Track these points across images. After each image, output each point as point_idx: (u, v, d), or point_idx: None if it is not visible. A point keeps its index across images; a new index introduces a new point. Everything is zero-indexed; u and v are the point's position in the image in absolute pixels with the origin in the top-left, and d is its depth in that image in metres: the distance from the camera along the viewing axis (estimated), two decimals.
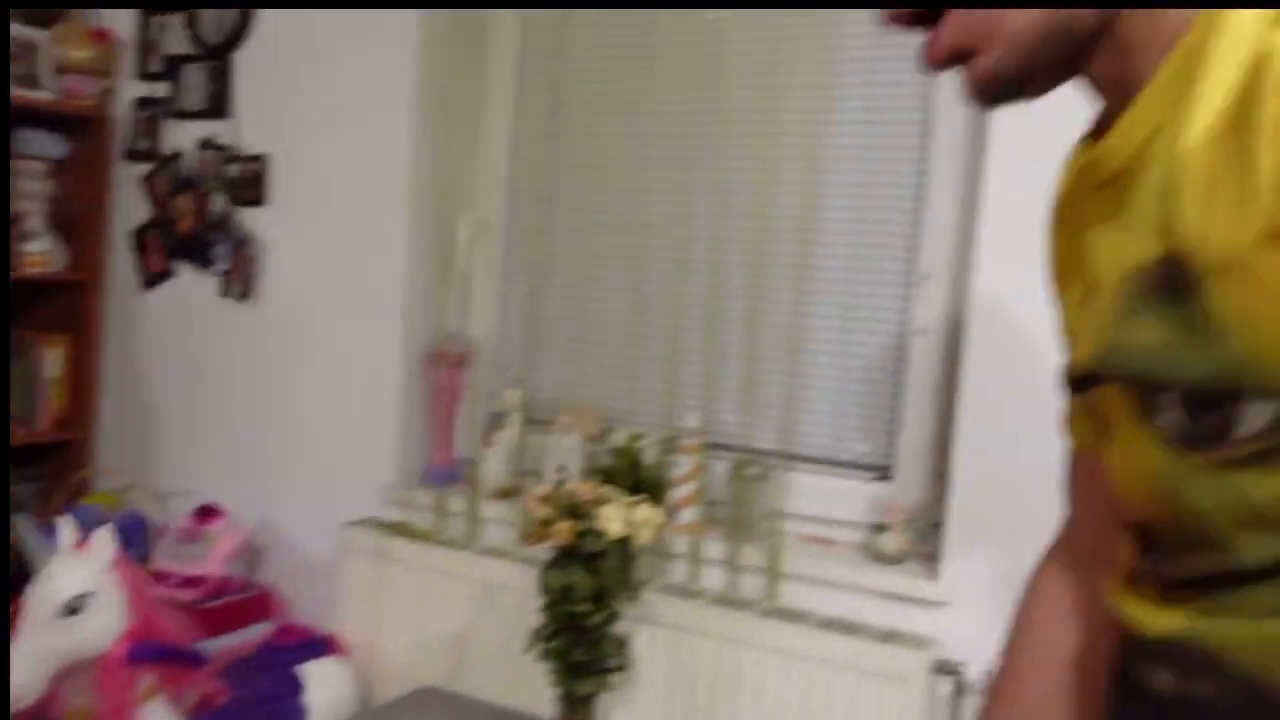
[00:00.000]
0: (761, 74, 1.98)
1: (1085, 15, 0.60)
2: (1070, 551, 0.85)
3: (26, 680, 1.64)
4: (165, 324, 2.67)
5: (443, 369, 2.29)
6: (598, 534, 1.73)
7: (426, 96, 2.23)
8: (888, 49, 1.93)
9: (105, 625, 1.70)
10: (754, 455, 2.01)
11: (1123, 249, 0.61)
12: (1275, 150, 0.49)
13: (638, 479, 2.02)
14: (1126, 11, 0.60)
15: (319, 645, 2.08)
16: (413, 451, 2.33)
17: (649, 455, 2.06)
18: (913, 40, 1.89)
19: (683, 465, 2.02)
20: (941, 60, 0.64)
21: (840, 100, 1.97)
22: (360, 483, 2.33)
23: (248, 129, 2.53)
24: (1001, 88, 0.62)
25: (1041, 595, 0.86)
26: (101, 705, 1.72)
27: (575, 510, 1.77)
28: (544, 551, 1.82)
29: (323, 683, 2.02)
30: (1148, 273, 0.58)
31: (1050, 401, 1.62)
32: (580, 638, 1.76)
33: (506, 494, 2.19)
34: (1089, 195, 0.66)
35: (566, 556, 1.76)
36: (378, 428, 2.32)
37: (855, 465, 2.00)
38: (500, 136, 2.31)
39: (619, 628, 1.83)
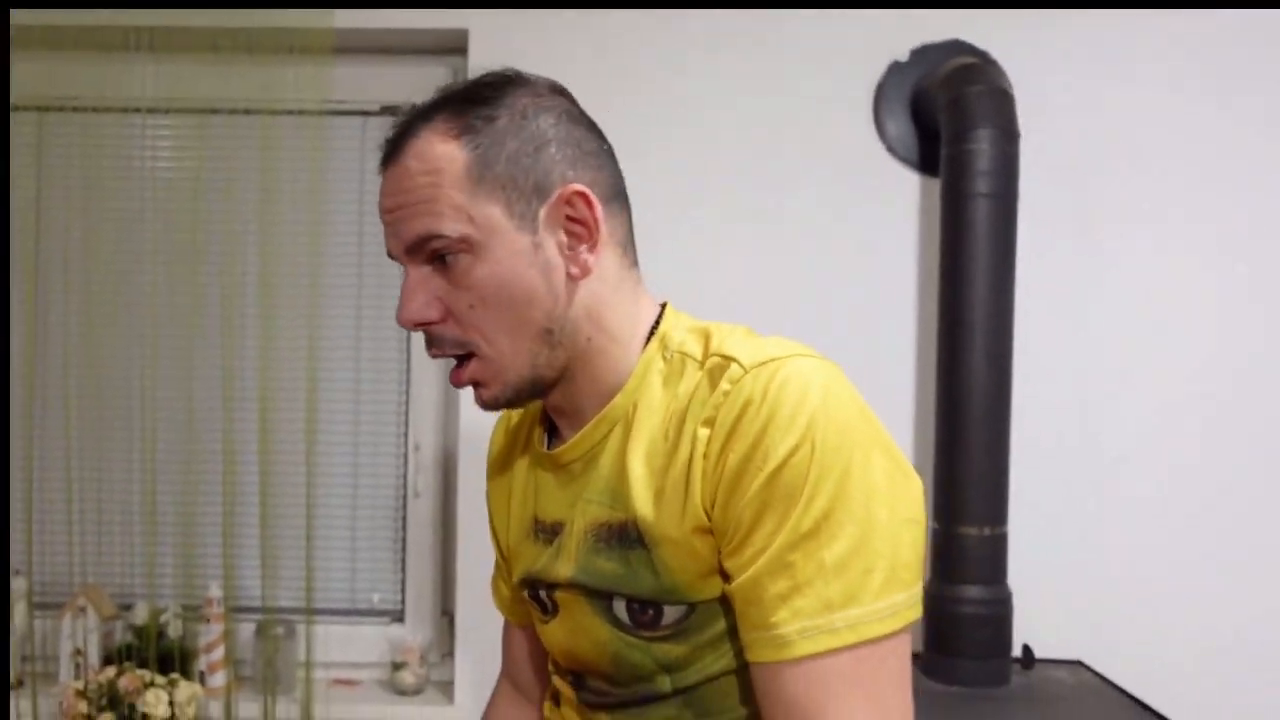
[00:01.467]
0: (261, 259, 2.23)
1: (551, 374, 0.94)
2: (512, 685, 1.25)
3: None
4: None
5: None
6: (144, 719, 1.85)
7: None
8: (374, 245, 2.29)
9: None
10: (278, 614, 2.22)
11: (584, 511, 0.94)
12: (702, 490, 0.85)
13: (163, 652, 2.14)
14: (574, 370, 0.94)
15: None
16: None
17: (173, 628, 2.18)
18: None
19: (209, 633, 2.17)
20: (461, 384, 0.95)
21: (333, 289, 2.28)
22: None
23: None
24: (498, 407, 0.96)
25: (496, 715, 1.25)
26: None
27: (115, 700, 1.86)
28: None
29: None
30: (609, 528, 0.92)
31: None
32: None
33: (17, 685, 2.16)
34: (544, 466, 1.01)
35: None
36: None
37: (373, 612, 2.30)
38: None
39: None
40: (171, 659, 2.13)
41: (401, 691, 2.19)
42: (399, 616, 2.30)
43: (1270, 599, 2.07)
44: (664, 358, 0.92)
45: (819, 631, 0.78)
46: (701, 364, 0.88)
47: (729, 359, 0.86)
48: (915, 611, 0.81)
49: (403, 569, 2.30)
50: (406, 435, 2.30)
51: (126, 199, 2.25)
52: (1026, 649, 1.96)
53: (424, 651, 2.23)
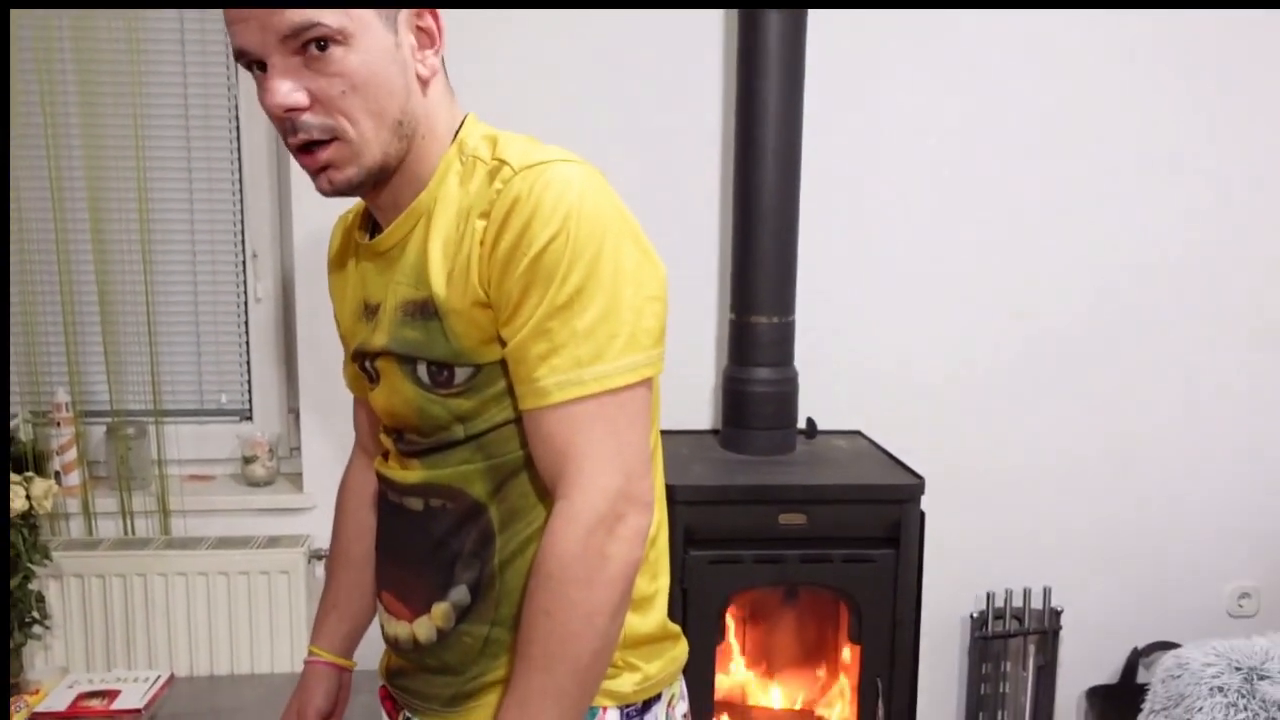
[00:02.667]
0: (79, 69, 2.24)
1: (392, 164, 1.07)
2: (363, 451, 1.43)
3: None
4: None
5: None
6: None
7: None
8: (201, 56, 2.31)
9: None
10: (128, 417, 2.34)
11: (395, 291, 1.11)
12: (479, 271, 1.02)
13: (16, 454, 2.25)
14: (402, 164, 1.07)
15: None
16: None
17: (24, 433, 2.29)
18: (226, 45, 2.31)
19: (60, 436, 2.29)
20: (317, 164, 1.04)
21: (157, 100, 2.31)
22: None
23: None
24: (344, 192, 1.08)
25: (350, 485, 1.44)
26: None
27: None
28: None
29: None
30: (413, 304, 1.09)
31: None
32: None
33: None
34: (366, 257, 1.17)
35: None
36: None
37: (222, 412, 2.44)
38: None
39: (33, 587, 2.10)
40: (24, 461, 2.25)
41: (254, 483, 2.36)
42: (247, 415, 2.45)
43: (996, 373, 2.41)
44: (460, 160, 1.07)
45: (570, 383, 0.98)
46: (486, 165, 1.04)
47: (503, 162, 1.01)
48: (653, 369, 1.02)
49: (248, 371, 2.43)
50: (243, 243, 2.39)
51: None
52: (810, 421, 2.25)
53: (273, 445, 2.40)
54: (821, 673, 2.20)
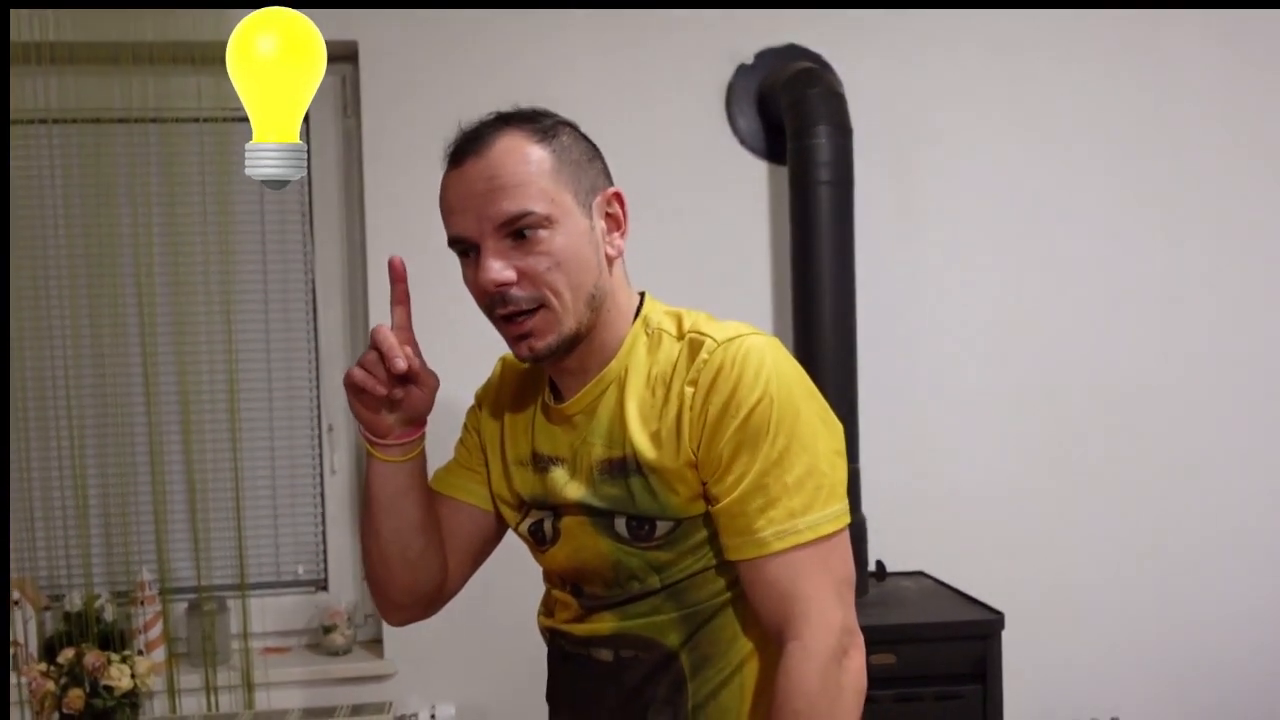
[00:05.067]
0: (172, 262, 2.37)
1: (584, 333, 1.18)
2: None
3: None
4: None
5: None
6: (108, 691, 2.01)
7: None
8: (280, 230, 2.47)
9: None
10: (210, 592, 2.38)
11: (587, 450, 1.20)
12: (689, 433, 1.13)
13: (101, 635, 2.28)
14: (591, 335, 1.19)
15: None
16: None
17: (109, 612, 2.33)
18: (303, 218, 2.46)
19: (144, 614, 2.33)
20: (524, 332, 1.14)
21: (242, 284, 2.44)
22: None
23: None
24: (544, 357, 1.17)
25: None
26: None
27: (78, 678, 2.02)
28: None
29: None
30: (611, 462, 1.19)
31: None
32: None
33: None
34: (549, 417, 1.25)
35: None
36: None
37: (298, 583, 2.49)
38: None
39: None
40: (110, 640, 2.28)
41: (333, 652, 2.40)
42: (323, 585, 2.50)
43: (1071, 504, 2.53)
44: (646, 332, 1.20)
45: (789, 533, 1.08)
46: (677, 338, 1.17)
47: (704, 335, 1.14)
48: (848, 516, 1.14)
49: (324, 541, 2.50)
50: (319, 417, 2.49)
51: (38, 208, 2.35)
52: (879, 564, 2.34)
53: (350, 613, 2.44)
54: None
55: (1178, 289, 2.56)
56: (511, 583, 1.59)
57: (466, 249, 1.15)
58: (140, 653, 2.31)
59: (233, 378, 2.38)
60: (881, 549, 2.39)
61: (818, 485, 1.10)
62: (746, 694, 1.17)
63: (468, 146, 1.13)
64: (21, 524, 2.37)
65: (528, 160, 1.12)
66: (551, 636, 1.31)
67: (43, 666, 2.01)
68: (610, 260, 1.19)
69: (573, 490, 1.21)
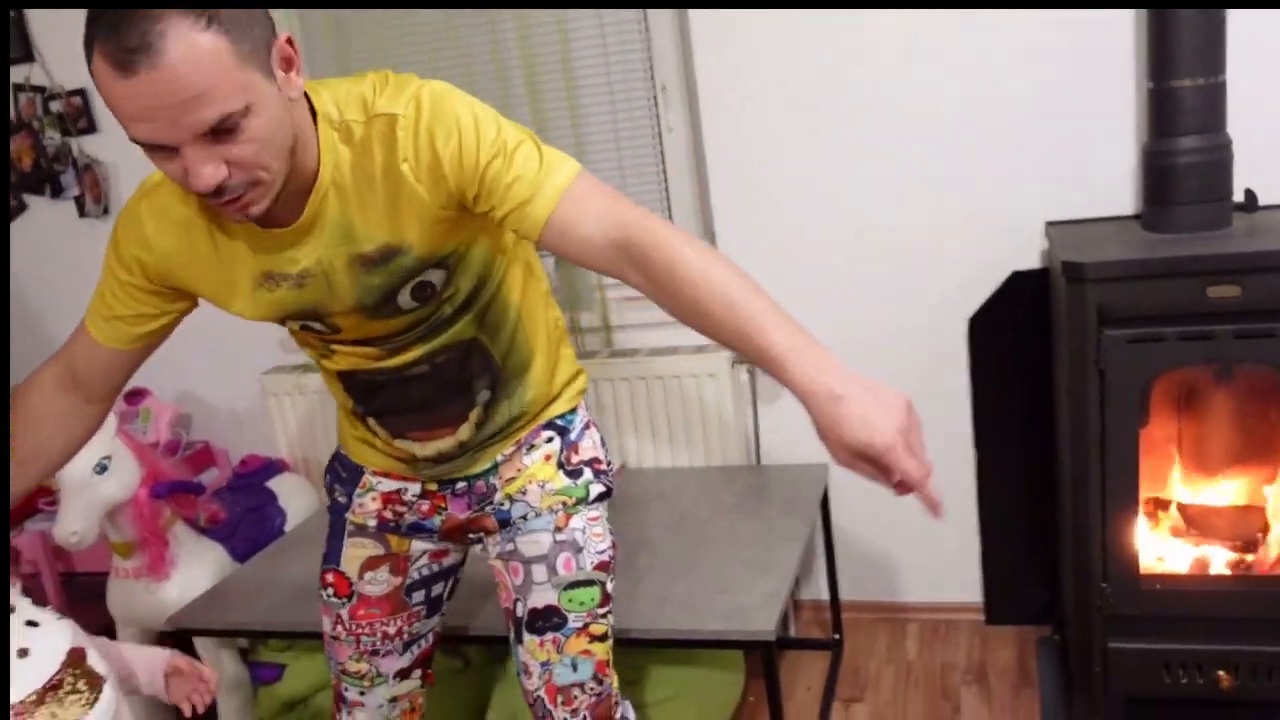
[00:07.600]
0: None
1: (289, 169, 1.17)
2: (57, 376, 1.48)
3: (83, 527, 2.14)
4: (33, 249, 3.00)
5: None
6: None
7: None
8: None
9: (126, 476, 2.20)
10: None
11: (332, 255, 1.25)
12: (432, 193, 1.21)
13: None
14: (294, 165, 1.18)
15: (275, 467, 2.63)
16: None
17: None
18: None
19: None
20: (248, 214, 1.16)
21: None
22: (260, 339, 2.83)
23: (58, 67, 2.84)
24: (259, 215, 1.18)
25: (31, 409, 1.44)
26: (140, 534, 2.24)
27: None
28: None
29: (288, 492, 2.59)
30: (364, 256, 1.25)
31: (786, 166, 2.32)
32: None
33: None
34: (263, 241, 1.25)
35: None
36: None
37: None
38: None
39: None
40: None
41: None
42: None
43: None
44: (334, 128, 1.22)
45: (557, 188, 1.20)
46: (366, 124, 1.21)
47: (388, 112, 1.20)
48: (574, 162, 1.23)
49: (666, 194, 2.64)
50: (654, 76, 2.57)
51: None
52: (1249, 193, 2.04)
53: None
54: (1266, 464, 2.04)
55: None
56: None
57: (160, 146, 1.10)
58: None
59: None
60: (1256, 179, 2.07)
61: (540, 153, 1.22)
62: (527, 329, 1.44)
63: (133, 56, 1.02)
64: None
65: (208, 58, 1.03)
66: (360, 376, 1.42)
67: None
68: (294, 101, 1.16)
69: (339, 298, 1.29)
